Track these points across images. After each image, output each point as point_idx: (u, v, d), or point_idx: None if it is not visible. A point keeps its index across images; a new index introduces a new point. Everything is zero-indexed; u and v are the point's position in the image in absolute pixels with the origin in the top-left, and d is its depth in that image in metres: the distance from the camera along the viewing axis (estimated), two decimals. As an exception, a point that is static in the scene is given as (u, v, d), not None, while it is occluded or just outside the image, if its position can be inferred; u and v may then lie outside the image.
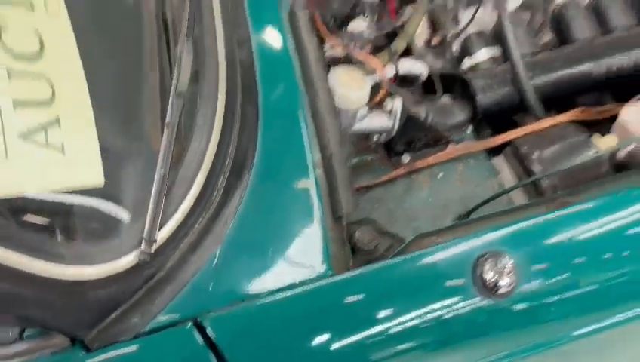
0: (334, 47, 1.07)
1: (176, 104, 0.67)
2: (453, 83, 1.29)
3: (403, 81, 1.32)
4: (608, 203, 0.80)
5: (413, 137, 1.09)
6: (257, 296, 0.69)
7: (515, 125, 1.17)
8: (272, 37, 0.91)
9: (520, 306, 0.74)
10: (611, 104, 1.15)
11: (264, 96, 0.84)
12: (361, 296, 0.73)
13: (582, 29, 1.30)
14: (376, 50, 1.29)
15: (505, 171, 1.09)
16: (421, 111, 1.08)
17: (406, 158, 1.10)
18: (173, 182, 0.67)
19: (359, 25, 1.17)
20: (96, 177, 0.61)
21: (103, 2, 0.78)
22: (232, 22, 0.87)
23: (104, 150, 0.62)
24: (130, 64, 0.77)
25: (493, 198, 0.94)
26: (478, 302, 0.73)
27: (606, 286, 0.77)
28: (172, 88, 0.67)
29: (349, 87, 0.95)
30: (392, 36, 1.27)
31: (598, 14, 1.33)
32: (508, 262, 0.70)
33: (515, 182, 1.07)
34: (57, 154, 0.58)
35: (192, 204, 0.67)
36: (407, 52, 1.29)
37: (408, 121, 1.06)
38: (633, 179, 0.85)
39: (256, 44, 0.89)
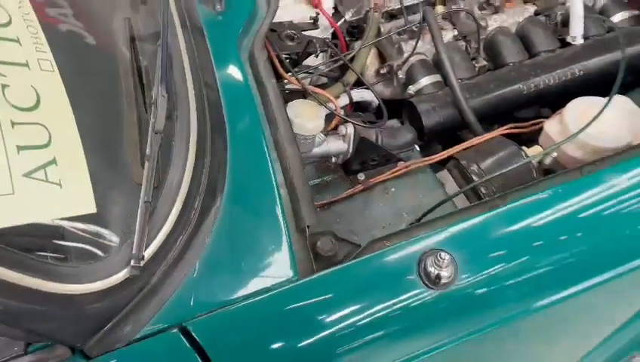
0: (294, 83, 1.20)
1: (155, 140, 0.78)
2: (401, 107, 1.44)
3: (358, 108, 1.46)
4: (531, 203, 0.94)
5: (366, 157, 1.22)
6: (234, 301, 0.80)
7: (460, 140, 1.32)
8: (235, 77, 1.03)
9: (461, 293, 0.86)
10: (538, 119, 1.31)
11: (231, 129, 0.95)
12: (324, 296, 0.84)
13: (511, 53, 1.47)
14: (332, 81, 1.44)
15: (449, 182, 1.23)
16: (371, 135, 1.21)
17: (362, 176, 1.22)
18: (155, 206, 0.77)
19: (313, 61, 1.32)
20: (89, 206, 0.71)
21: (86, 58, 0.89)
22: (198, 66, 0.99)
23: (95, 182, 0.72)
24: (112, 108, 0.88)
25: (438, 205, 1.07)
26: (426, 292, 0.85)
27: (533, 273, 0.90)
28: (150, 126, 0.79)
29: (306, 118, 1.08)
30: (345, 68, 1.41)
31: (524, 40, 1.51)
32: (446, 257, 0.83)
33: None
34: (56, 188, 0.69)
35: (173, 224, 0.78)
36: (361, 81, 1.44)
37: (361, 144, 1.19)
38: (554, 181, 0.99)
39: (222, 83, 1.01)
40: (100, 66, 0.92)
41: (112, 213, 0.76)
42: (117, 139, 0.83)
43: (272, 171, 0.93)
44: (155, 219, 0.78)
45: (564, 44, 1.49)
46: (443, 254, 0.83)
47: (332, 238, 0.91)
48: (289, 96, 1.27)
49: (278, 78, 1.20)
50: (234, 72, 1.04)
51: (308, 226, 0.89)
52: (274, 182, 0.91)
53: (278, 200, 0.89)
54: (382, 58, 1.57)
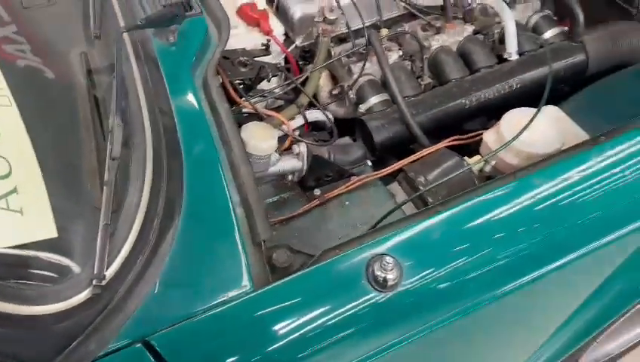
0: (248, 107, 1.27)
1: (112, 166, 0.83)
2: (354, 125, 1.52)
3: (315, 127, 1.53)
4: (469, 207, 1.02)
5: (321, 174, 1.28)
6: (194, 313, 0.84)
7: (412, 153, 1.40)
8: (189, 103, 1.08)
9: (408, 294, 0.92)
10: (479, 131, 1.40)
11: (187, 152, 1.00)
12: (280, 304, 0.89)
13: (453, 70, 1.57)
14: (287, 103, 1.51)
15: (399, 194, 1.30)
16: (324, 153, 1.28)
17: (317, 192, 1.29)
18: (115, 228, 0.82)
19: (268, 85, 1.38)
20: (50, 231, 0.75)
21: (45, 91, 0.94)
22: (153, 94, 1.05)
23: (56, 208, 0.76)
24: (70, 138, 0.92)
25: (388, 214, 1.14)
26: (376, 296, 0.91)
27: (475, 272, 0.98)
28: (108, 153, 0.84)
29: (260, 138, 1.14)
30: (299, 91, 1.49)
31: (465, 58, 1.62)
32: (390, 261, 0.90)
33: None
34: (18, 216, 0.73)
35: (133, 244, 0.82)
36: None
37: (315, 161, 1.26)
38: (490, 186, 1.07)
39: (176, 109, 1.06)
40: (59, 98, 0.96)
41: (74, 237, 0.81)
42: (76, 166, 0.88)
43: (227, 190, 0.98)
44: (116, 241, 0.82)
45: (502, 60, 1.61)
46: (388, 258, 0.90)
47: (287, 250, 0.96)
48: (246, 119, 1.33)
49: (234, 102, 1.26)
50: (188, 98, 1.09)
51: (264, 240, 0.95)
52: (229, 201, 0.96)
53: (234, 217, 0.94)
54: (334, 79, 1.65)
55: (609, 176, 1.09)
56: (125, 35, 1.06)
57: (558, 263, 1.04)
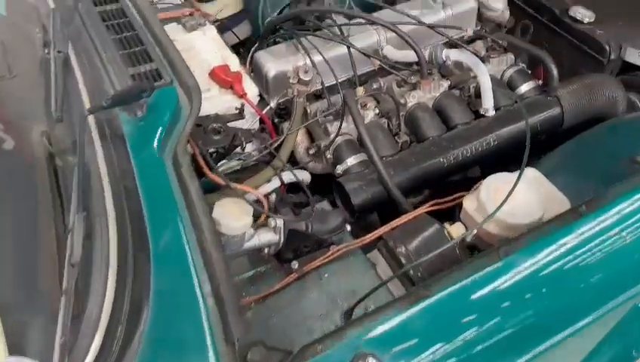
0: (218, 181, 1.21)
1: (71, 273, 0.77)
2: (332, 183, 1.48)
3: (291, 187, 1.49)
4: (455, 291, 0.98)
5: (298, 246, 1.24)
6: None
7: (394, 210, 1.37)
8: (157, 183, 1.02)
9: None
10: (458, 194, 1.37)
11: (154, 241, 0.94)
12: (256, 411, 0.83)
13: (430, 127, 1.56)
14: (263, 164, 1.46)
15: (380, 263, 1.26)
16: (301, 225, 1.24)
17: (295, 265, 1.23)
18: (75, 338, 0.75)
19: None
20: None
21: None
22: (119, 177, 0.99)
23: (11, 320, 0.70)
24: (27, 233, 0.86)
25: (370, 293, 1.09)
26: (358, 396, 0.86)
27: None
28: (67, 259, 0.78)
29: (233, 218, 1.09)
30: (275, 150, 1.45)
31: (442, 114, 1.60)
32: (372, 361, 0.85)
33: (390, 271, 1.24)
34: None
35: (94, 358, 0.76)
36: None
37: (292, 236, 1.21)
38: (475, 265, 1.03)
39: (144, 192, 1.00)
40: (16, 189, 0.90)
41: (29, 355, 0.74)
42: (33, 273, 0.82)
43: (197, 282, 0.92)
44: (76, 354, 0.76)
45: (478, 115, 1.59)
46: (370, 359, 0.85)
47: (262, 348, 0.91)
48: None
49: (204, 174, 1.21)
50: (156, 179, 1.03)
51: (237, 339, 0.89)
52: (200, 296, 0.90)
53: (204, 315, 0.88)
54: (311, 136, 1.61)
55: (590, 248, 1.06)
56: (90, 118, 1.01)
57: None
